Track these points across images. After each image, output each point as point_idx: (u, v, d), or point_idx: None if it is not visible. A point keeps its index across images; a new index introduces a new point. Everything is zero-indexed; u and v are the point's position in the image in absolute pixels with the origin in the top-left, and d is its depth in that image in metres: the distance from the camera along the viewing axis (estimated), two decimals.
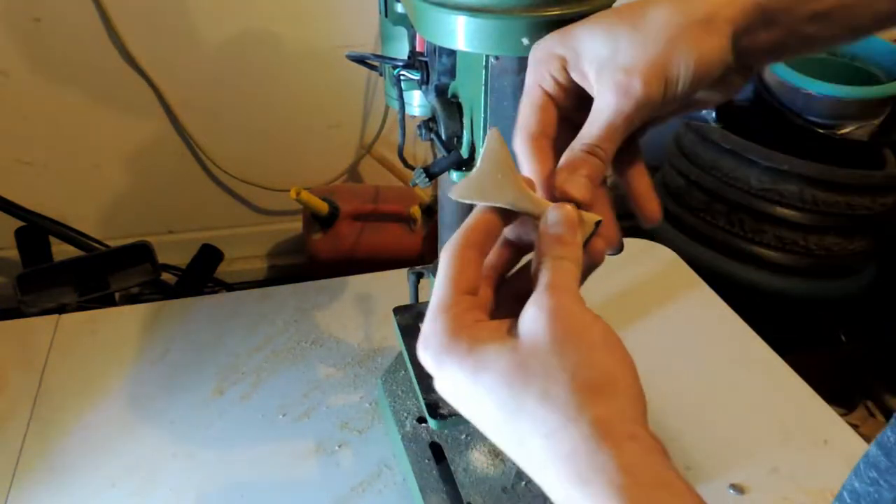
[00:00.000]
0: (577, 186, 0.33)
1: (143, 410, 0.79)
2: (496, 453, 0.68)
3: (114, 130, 1.42)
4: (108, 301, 1.20)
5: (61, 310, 0.95)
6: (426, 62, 0.51)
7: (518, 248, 0.35)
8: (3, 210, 1.20)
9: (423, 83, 0.52)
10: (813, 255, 1.34)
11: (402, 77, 0.55)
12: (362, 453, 0.74)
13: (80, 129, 1.40)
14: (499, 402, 0.28)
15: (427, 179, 0.50)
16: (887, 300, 1.46)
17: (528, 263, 0.33)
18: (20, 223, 1.26)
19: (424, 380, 0.59)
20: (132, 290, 1.37)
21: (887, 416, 1.39)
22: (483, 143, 0.46)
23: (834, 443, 0.76)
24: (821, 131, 1.29)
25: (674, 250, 1.06)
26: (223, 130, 1.47)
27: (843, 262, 1.37)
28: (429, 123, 0.52)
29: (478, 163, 0.34)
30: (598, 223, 0.34)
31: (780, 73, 1.29)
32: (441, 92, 0.50)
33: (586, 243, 0.34)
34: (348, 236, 1.35)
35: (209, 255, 1.40)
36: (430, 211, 1.42)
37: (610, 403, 0.27)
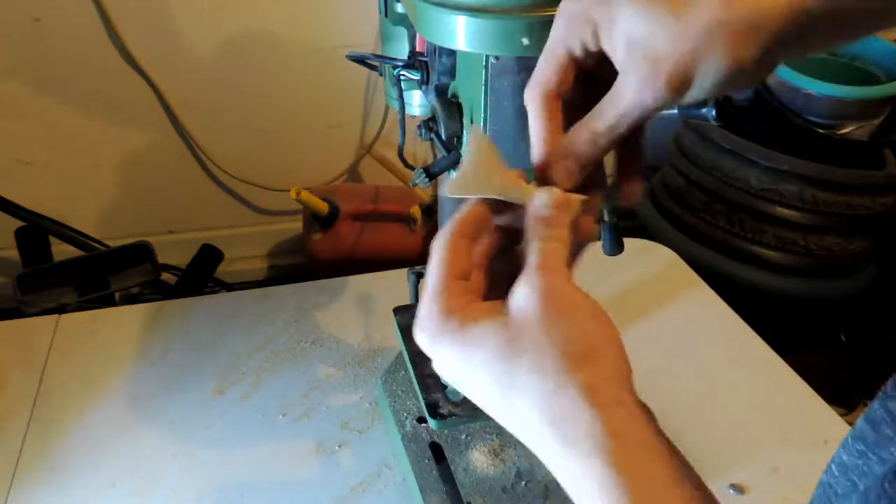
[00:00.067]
0: (565, 174, 0.34)
1: (143, 410, 0.79)
2: (496, 453, 0.68)
3: (114, 130, 1.42)
4: (108, 301, 1.20)
5: (61, 310, 0.95)
6: (426, 62, 0.51)
7: (508, 235, 0.36)
8: (3, 210, 1.20)
9: (423, 83, 0.52)
10: (813, 255, 1.34)
11: (402, 77, 0.55)
12: (362, 453, 0.74)
13: (80, 129, 1.40)
14: (493, 376, 0.30)
15: (427, 179, 0.50)
16: (887, 300, 1.46)
17: (519, 249, 0.34)
18: (20, 223, 1.26)
19: (424, 380, 0.59)
20: (132, 290, 1.37)
21: None
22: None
23: (834, 443, 0.75)
24: (821, 131, 1.29)
25: (674, 250, 1.06)
26: (223, 130, 1.47)
27: (843, 262, 1.37)
28: (429, 123, 0.52)
29: (463, 159, 0.35)
30: (583, 202, 0.34)
31: (780, 73, 1.29)
32: (441, 92, 0.50)
33: (575, 224, 0.34)
34: (348, 236, 1.35)
35: (209, 255, 1.40)
36: (430, 211, 1.42)
37: (597, 370, 0.29)
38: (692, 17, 0.30)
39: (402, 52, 0.58)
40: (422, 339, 0.32)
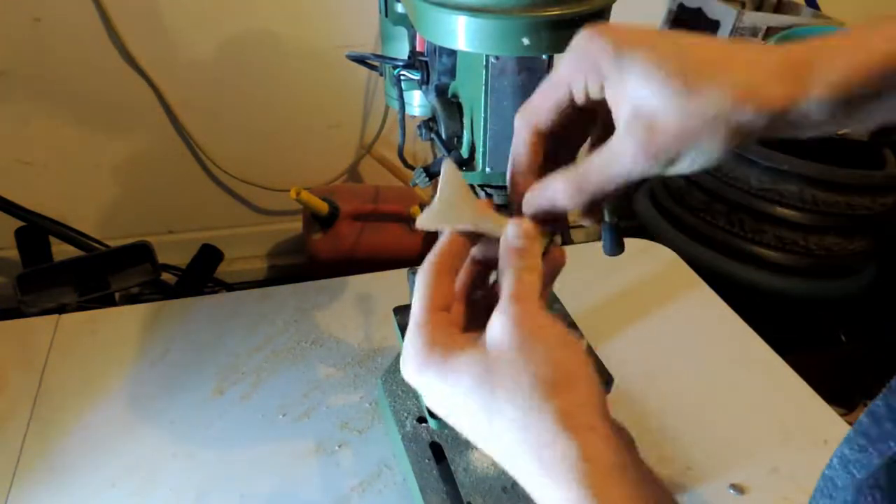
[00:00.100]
0: (537, 214, 0.36)
1: (143, 410, 0.79)
2: None
3: (113, 130, 1.42)
4: (108, 301, 1.20)
5: (61, 310, 0.95)
6: (426, 62, 0.51)
7: (486, 266, 0.38)
8: (3, 210, 1.21)
9: (423, 83, 0.52)
10: (813, 255, 1.34)
11: (402, 77, 0.55)
12: (362, 453, 0.74)
13: (80, 129, 1.40)
14: (475, 405, 0.32)
15: (427, 179, 0.50)
16: (887, 300, 1.46)
17: (496, 281, 0.36)
18: (20, 223, 1.26)
19: None
20: (132, 290, 1.37)
21: None
22: (481, 145, 0.46)
23: (834, 443, 0.75)
24: None
25: (674, 250, 1.06)
26: (223, 130, 1.47)
27: (843, 262, 1.37)
28: (429, 123, 0.52)
29: (436, 192, 0.37)
30: (553, 233, 0.37)
31: None
32: (441, 92, 0.50)
33: (546, 252, 0.36)
34: (348, 236, 1.35)
35: (209, 255, 1.40)
36: None
37: (570, 397, 0.30)
38: (703, 98, 0.29)
39: (402, 52, 0.58)
40: (408, 372, 0.34)
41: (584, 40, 0.32)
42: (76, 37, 1.28)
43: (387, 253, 1.35)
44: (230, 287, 1.51)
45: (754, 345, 0.89)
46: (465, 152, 0.49)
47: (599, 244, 0.45)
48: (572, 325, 0.73)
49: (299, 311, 0.93)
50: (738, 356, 0.87)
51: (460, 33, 0.39)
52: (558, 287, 0.79)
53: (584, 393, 0.30)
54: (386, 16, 0.56)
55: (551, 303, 0.76)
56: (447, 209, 0.37)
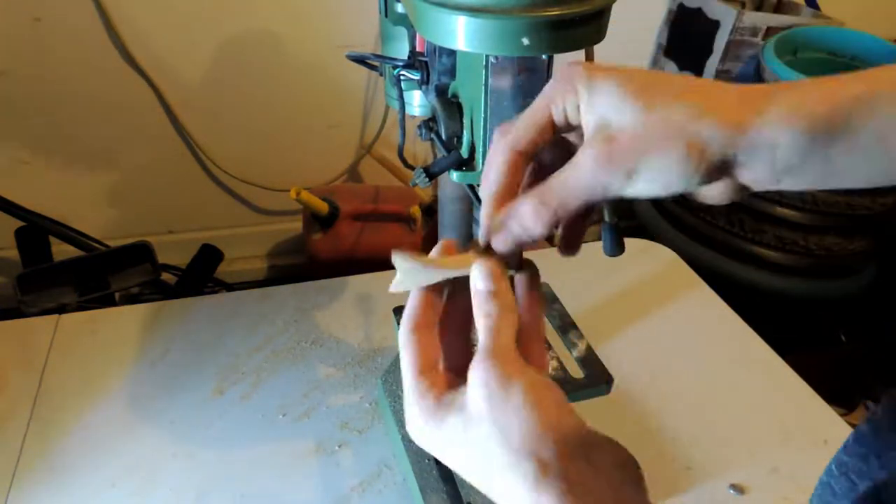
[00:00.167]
0: (503, 245, 0.35)
1: (143, 410, 0.79)
2: None
3: (114, 130, 1.42)
4: (108, 301, 1.20)
5: (61, 310, 0.95)
6: (426, 62, 0.51)
7: (467, 309, 0.37)
8: (3, 210, 1.21)
9: (423, 83, 0.52)
10: (813, 255, 1.34)
11: (402, 77, 0.55)
12: (362, 453, 0.74)
13: (80, 129, 1.40)
14: (473, 470, 0.33)
15: (427, 179, 0.50)
16: (887, 300, 1.46)
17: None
18: (20, 223, 1.26)
19: None
20: (132, 290, 1.37)
21: None
22: (481, 145, 0.46)
23: (834, 443, 0.76)
24: None
25: (674, 250, 1.06)
26: (223, 130, 1.47)
27: (843, 262, 1.37)
28: (429, 123, 0.52)
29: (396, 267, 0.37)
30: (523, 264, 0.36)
31: (780, 73, 1.29)
32: (441, 92, 0.50)
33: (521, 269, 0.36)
34: (348, 236, 1.35)
35: (209, 255, 1.40)
36: (430, 211, 1.42)
37: (541, 452, 0.30)
38: (660, 112, 0.30)
39: (402, 52, 0.58)
40: (415, 438, 0.35)
41: (564, 67, 0.34)
42: (76, 37, 1.28)
43: (387, 253, 1.33)
44: (230, 287, 1.51)
45: (754, 345, 0.89)
46: (464, 152, 0.49)
47: (599, 244, 0.45)
48: (572, 325, 0.73)
49: (299, 311, 0.93)
50: (738, 356, 0.87)
51: (460, 33, 0.39)
52: (558, 287, 0.79)
53: (554, 443, 0.30)
54: (386, 16, 0.56)
55: (551, 303, 0.76)
56: (409, 275, 0.37)
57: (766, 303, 1.34)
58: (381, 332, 0.89)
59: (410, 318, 0.37)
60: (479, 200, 0.45)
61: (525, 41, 0.38)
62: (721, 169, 0.30)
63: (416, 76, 0.53)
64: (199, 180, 1.54)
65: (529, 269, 0.38)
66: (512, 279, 0.37)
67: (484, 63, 0.43)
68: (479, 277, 0.35)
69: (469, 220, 0.62)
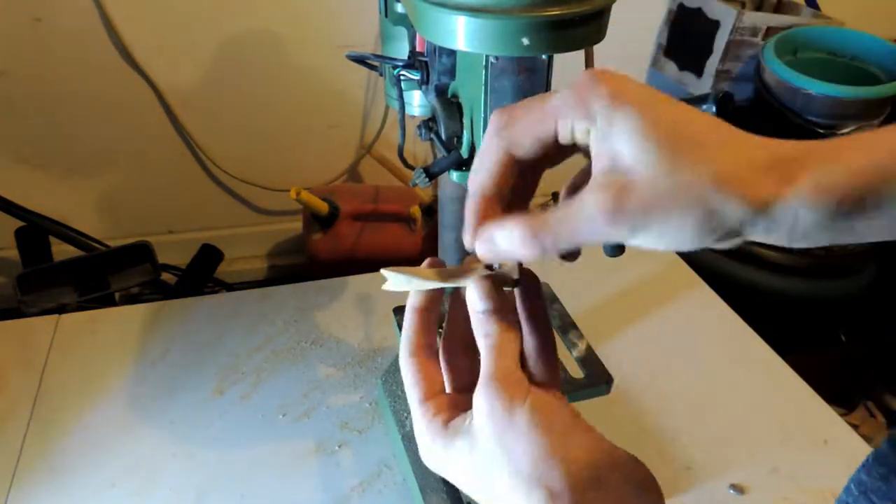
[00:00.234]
0: (486, 256, 0.33)
1: (143, 410, 0.79)
2: None
3: (114, 130, 1.42)
4: (108, 301, 1.20)
5: (61, 310, 0.95)
6: (426, 62, 0.51)
7: (466, 322, 0.36)
8: (3, 210, 1.20)
9: (423, 83, 0.52)
10: (813, 255, 1.34)
11: (402, 77, 0.55)
12: (362, 453, 0.74)
13: (80, 129, 1.40)
14: (480, 491, 0.33)
15: (427, 179, 0.50)
16: (887, 300, 1.46)
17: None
18: (20, 223, 1.26)
19: None
20: (132, 290, 1.37)
21: (887, 416, 1.39)
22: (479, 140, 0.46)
23: (834, 443, 0.76)
24: (821, 131, 1.29)
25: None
26: (223, 130, 1.47)
27: (843, 262, 1.37)
28: (429, 123, 0.52)
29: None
30: (517, 276, 0.35)
31: (780, 73, 1.29)
32: (441, 92, 0.50)
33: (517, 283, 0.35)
34: (348, 236, 1.35)
35: (209, 255, 1.40)
36: (430, 211, 1.42)
37: (551, 481, 0.30)
38: (686, 172, 0.27)
39: (402, 52, 0.58)
40: (427, 463, 0.36)
41: (583, 80, 0.30)
42: (76, 37, 1.28)
43: (387, 253, 1.35)
44: (230, 287, 1.51)
45: (754, 345, 0.89)
46: (464, 152, 0.49)
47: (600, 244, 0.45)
48: (572, 325, 0.73)
49: (299, 311, 0.93)
50: (738, 356, 0.87)
51: (460, 33, 0.39)
52: (558, 287, 0.79)
53: (560, 473, 0.30)
54: (386, 16, 0.56)
55: (551, 303, 0.76)
56: (402, 280, 0.36)
57: (766, 303, 1.34)
58: (381, 332, 0.90)
59: (407, 342, 0.36)
60: None
61: (525, 41, 0.38)
62: (735, 234, 0.29)
63: (416, 76, 0.53)
64: (199, 180, 1.54)
65: (529, 280, 0.36)
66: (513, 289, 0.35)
67: (484, 63, 0.43)
68: (475, 297, 0.34)
69: None
